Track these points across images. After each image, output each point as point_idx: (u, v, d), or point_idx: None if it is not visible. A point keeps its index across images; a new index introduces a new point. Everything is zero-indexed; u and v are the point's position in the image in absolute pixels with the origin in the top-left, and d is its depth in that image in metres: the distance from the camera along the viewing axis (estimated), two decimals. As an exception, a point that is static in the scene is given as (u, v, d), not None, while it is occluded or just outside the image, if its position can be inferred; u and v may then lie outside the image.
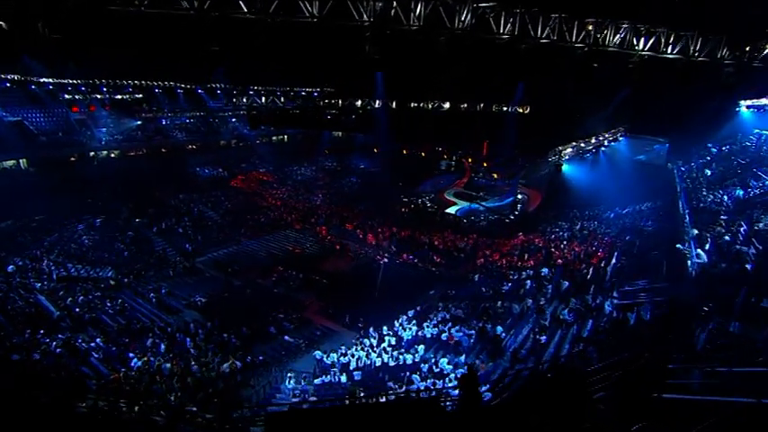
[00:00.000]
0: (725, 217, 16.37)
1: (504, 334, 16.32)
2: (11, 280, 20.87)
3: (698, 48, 16.67)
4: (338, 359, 15.93)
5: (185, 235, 31.28)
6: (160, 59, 30.65)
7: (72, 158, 35.99)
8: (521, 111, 39.29)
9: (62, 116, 36.23)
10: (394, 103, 40.25)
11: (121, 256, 27.18)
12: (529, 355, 14.80)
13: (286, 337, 19.12)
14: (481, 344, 16.38)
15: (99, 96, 38.64)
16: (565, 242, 26.65)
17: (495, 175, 42.29)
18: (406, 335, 17.65)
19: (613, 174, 33.03)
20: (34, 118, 34.48)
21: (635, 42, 16.75)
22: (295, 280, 25.36)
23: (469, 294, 21.66)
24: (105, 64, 32.85)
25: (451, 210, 38.21)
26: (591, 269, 20.66)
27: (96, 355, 14.98)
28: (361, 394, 12.73)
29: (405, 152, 48.75)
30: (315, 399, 13.54)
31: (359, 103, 41.81)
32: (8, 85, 33.28)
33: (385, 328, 18.22)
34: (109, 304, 20.31)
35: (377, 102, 40.35)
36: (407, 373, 14.27)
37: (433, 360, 15.22)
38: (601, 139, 34.88)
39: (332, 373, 15.27)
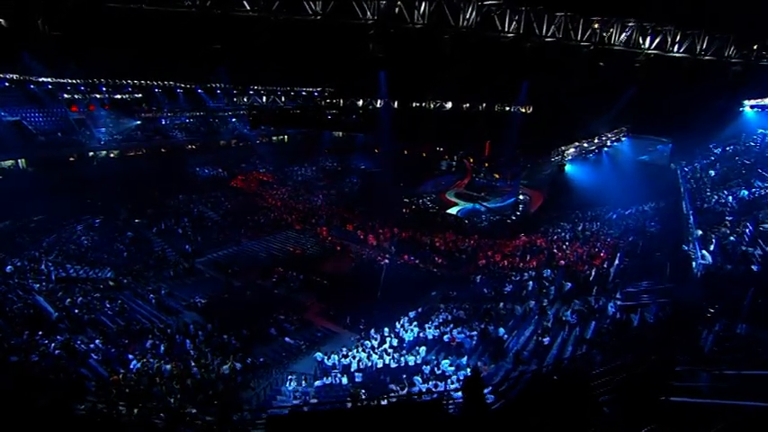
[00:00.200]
0: (730, 218, 16.25)
1: (506, 335, 16.22)
2: (9, 281, 20.72)
3: (704, 47, 16.55)
4: (339, 361, 15.81)
5: (185, 236, 31.14)
6: (160, 59, 30.54)
7: (71, 158, 35.89)
8: (523, 111, 39.12)
9: (61, 116, 36.13)
10: (396, 103, 40.10)
11: (121, 257, 27.04)
12: (531, 357, 14.71)
13: (286, 339, 18.99)
14: (483, 345, 16.28)
15: (98, 96, 38.60)
16: (567, 243, 26.51)
17: (497, 176, 42.13)
18: (408, 336, 17.53)
19: (616, 174, 32.86)
20: (33, 118, 34.38)
21: (641, 41, 16.62)
22: (295, 281, 25.22)
23: (471, 295, 21.53)
24: (105, 63, 32.81)
25: (453, 210, 38.08)
26: (594, 270, 20.52)
27: (95, 357, 14.83)
28: (363, 397, 12.59)
29: (406, 152, 48.57)
30: (316, 401, 13.42)
31: (360, 102, 41.67)
32: (7, 84, 33.17)
33: (386, 329, 18.10)
34: (108, 305, 20.15)
35: (378, 101, 40.21)
36: (409, 375, 14.14)
37: (434, 362, 15.09)
38: (603, 139, 34.73)
39: (333, 374, 15.14)
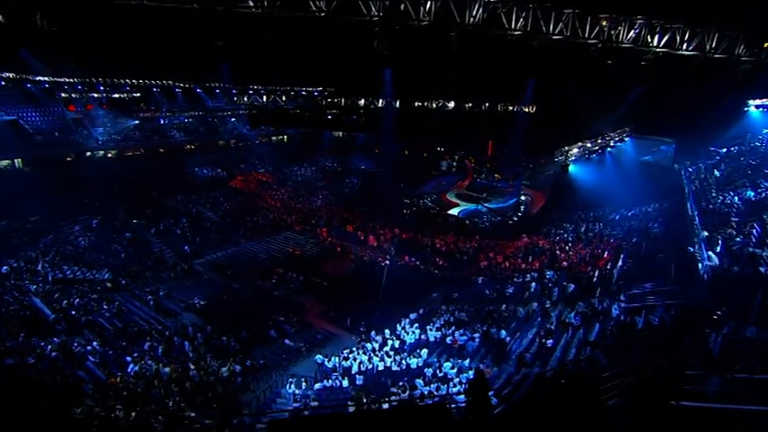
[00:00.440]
0: (736, 219, 16.10)
1: (508, 338, 16.07)
2: (5, 282, 20.55)
3: (714, 45, 16.37)
4: (340, 363, 15.66)
5: (183, 236, 30.93)
6: (159, 57, 30.22)
7: (68, 158, 35.56)
8: (526, 110, 38.87)
9: (58, 115, 35.79)
10: (398, 103, 39.87)
11: (118, 258, 26.81)
12: (534, 360, 14.56)
13: (286, 341, 18.80)
14: (486, 348, 16.15)
15: (96, 95, 38.22)
16: (570, 244, 26.36)
17: (498, 176, 42.03)
18: (409, 338, 17.42)
19: (619, 175, 32.73)
20: (30, 117, 34.06)
21: (649, 39, 16.43)
22: (295, 282, 25.03)
23: (473, 297, 21.40)
24: (104, 62, 32.48)
25: (454, 211, 37.99)
26: (597, 272, 20.36)
27: (93, 359, 14.70)
28: (365, 400, 12.42)
29: (406, 152, 48.42)
30: (316, 404, 13.24)
31: (362, 102, 41.43)
32: (3, 83, 32.87)
33: (387, 331, 17.95)
34: (105, 307, 19.97)
35: (380, 101, 40.00)
36: (411, 378, 13.96)
37: (436, 364, 14.94)
38: (607, 139, 34.60)
39: (333, 377, 14.96)
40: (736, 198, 18.39)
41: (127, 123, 40.02)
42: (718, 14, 16.49)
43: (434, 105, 40.28)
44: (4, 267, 21.80)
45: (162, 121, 43.58)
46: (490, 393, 8.84)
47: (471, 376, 13.27)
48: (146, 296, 22.07)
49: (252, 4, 12.85)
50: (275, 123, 46.34)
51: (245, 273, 26.57)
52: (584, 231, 28.24)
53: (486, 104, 39.52)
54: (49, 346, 14.64)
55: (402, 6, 13.70)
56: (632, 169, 33.36)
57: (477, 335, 16.44)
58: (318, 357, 16.21)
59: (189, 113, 45.36)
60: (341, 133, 53.05)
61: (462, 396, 10.43)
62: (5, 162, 32.41)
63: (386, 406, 11.38)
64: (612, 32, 16.12)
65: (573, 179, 32.08)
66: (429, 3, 14.15)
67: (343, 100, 41.85)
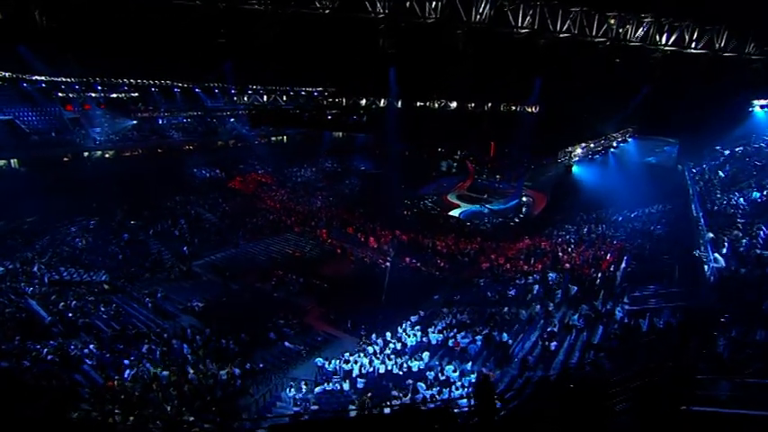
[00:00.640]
0: (742, 220, 15.92)
1: (511, 341, 15.88)
2: (1, 284, 20.26)
3: (723, 43, 16.20)
4: (340, 366, 15.49)
5: (182, 238, 30.66)
6: (159, 56, 29.91)
7: (65, 158, 35.24)
8: (529, 111, 38.67)
9: (55, 115, 35.48)
10: (399, 102, 39.65)
11: (116, 260, 26.55)
12: (538, 363, 14.39)
13: (286, 344, 18.64)
14: (488, 350, 15.95)
15: (93, 95, 37.92)
16: (572, 246, 26.19)
17: (499, 177, 41.90)
18: (410, 341, 17.24)
19: (622, 176, 32.59)
20: (26, 116, 33.73)
21: (658, 37, 16.23)
22: (295, 284, 24.86)
23: (475, 299, 21.23)
24: (103, 61, 32.17)
25: (455, 212, 37.83)
26: (600, 274, 20.19)
27: (89, 362, 14.46)
28: (370, 404, 12.26)
29: (407, 153, 48.26)
30: (317, 407, 13.04)
31: (363, 102, 41.20)
32: (-1, 82, 32.61)
33: (388, 334, 17.75)
34: (103, 309, 19.74)
35: (382, 101, 39.77)
36: (413, 381, 13.76)
37: (438, 367, 14.76)
38: (610, 139, 34.45)
39: (334, 380, 14.77)
40: (742, 199, 18.22)
41: (125, 123, 39.71)
42: (728, 12, 16.28)
43: (437, 105, 40.10)
44: (0, 269, 21.54)
45: (160, 122, 43.27)
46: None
47: (474, 380, 13.10)
48: (143, 298, 21.85)
49: (255, 0, 12.64)
50: (275, 123, 46.18)
51: (244, 274, 26.39)
52: (587, 233, 28.09)
53: (489, 105, 39.32)
54: (45, 349, 14.43)
55: (408, 4, 13.52)
56: (635, 170, 33.21)
57: (479, 337, 16.25)
58: (319, 360, 16.06)
59: (187, 113, 45.03)
60: (341, 134, 52.88)
61: (465, 400, 10.26)
62: (1, 162, 32.12)
63: (388, 411, 11.18)
64: (620, 31, 15.93)
65: (576, 180, 31.92)
66: (435, 0, 13.99)
67: (344, 100, 41.66)
